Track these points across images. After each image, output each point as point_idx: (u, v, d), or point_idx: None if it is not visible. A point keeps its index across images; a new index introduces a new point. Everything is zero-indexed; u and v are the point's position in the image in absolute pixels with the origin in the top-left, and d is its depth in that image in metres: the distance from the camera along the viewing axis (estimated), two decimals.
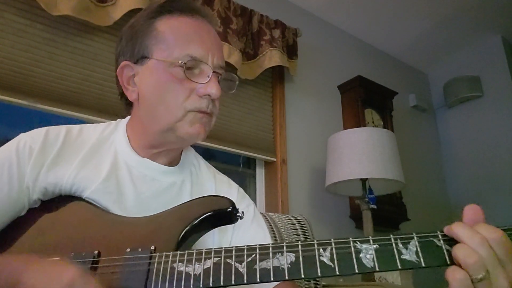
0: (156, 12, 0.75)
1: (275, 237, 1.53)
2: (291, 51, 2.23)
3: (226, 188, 0.87)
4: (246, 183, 2.19)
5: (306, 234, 1.65)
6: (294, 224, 1.65)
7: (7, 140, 0.73)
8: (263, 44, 2.10)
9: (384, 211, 2.28)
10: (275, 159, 2.13)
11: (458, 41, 2.99)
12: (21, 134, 0.73)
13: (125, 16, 1.60)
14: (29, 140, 0.71)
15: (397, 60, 3.17)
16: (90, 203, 0.70)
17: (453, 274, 0.46)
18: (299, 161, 2.22)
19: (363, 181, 1.91)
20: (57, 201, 0.71)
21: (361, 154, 1.84)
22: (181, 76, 0.70)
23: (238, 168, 2.14)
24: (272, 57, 2.08)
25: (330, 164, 1.97)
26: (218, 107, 0.76)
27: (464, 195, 2.92)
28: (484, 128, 2.88)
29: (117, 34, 1.66)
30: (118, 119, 0.85)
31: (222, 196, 0.68)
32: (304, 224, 1.68)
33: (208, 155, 2.01)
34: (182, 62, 0.70)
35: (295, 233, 1.61)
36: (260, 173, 2.19)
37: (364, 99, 2.50)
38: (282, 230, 1.58)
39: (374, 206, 1.89)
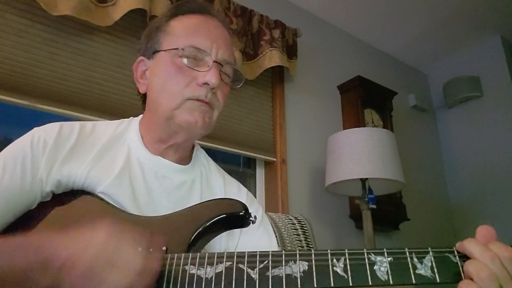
0: (171, 13, 0.81)
1: (275, 237, 1.52)
2: (291, 51, 2.23)
3: (236, 191, 0.88)
4: (246, 183, 2.18)
5: (306, 234, 1.65)
6: (294, 224, 1.65)
7: (8, 140, 0.73)
8: (263, 44, 2.10)
9: (384, 211, 2.28)
10: (275, 159, 2.13)
11: (457, 41, 2.99)
12: (35, 128, 0.74)
13: (125, 16, 1.60)
14: (43, 134, 0.72)
15: (396, 60, 3.17)
16: (101, 199, 0.70)
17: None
18: (299, 161, 2.22)
19: (363, 181, 1.91)
20: (69, 195, 0.71)
21: (360, 154, 1.84)
22: (183, 65, 0.74)
23: (238, 168, 2.14)
24: (272, 57, 2.07)
25: (330, 164, 1.97)
26: (220, 99, 0.78)
27: (463, 195, 2.92)
28: (484, 128, 2.88)
29: (118, 34, 1.70)
30: (131, 117, 0.86)
31: (235, 200, 0.68)
32: (304, 224, 1.68)
33: (208, 155, 2.01)
34: (183, 49, 0.73)
35: (295, 233, 1.61)
36: (260, 173, 2.19)
37: (364, 99, 2.50)
38: (283, 230, 1.58)
39: (374, 206, 1.89)
